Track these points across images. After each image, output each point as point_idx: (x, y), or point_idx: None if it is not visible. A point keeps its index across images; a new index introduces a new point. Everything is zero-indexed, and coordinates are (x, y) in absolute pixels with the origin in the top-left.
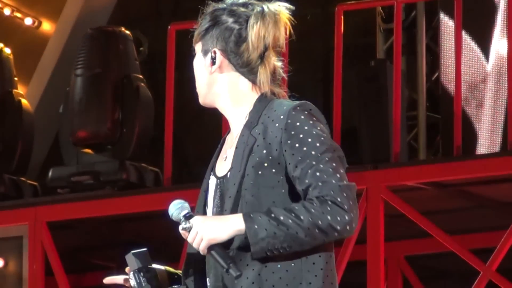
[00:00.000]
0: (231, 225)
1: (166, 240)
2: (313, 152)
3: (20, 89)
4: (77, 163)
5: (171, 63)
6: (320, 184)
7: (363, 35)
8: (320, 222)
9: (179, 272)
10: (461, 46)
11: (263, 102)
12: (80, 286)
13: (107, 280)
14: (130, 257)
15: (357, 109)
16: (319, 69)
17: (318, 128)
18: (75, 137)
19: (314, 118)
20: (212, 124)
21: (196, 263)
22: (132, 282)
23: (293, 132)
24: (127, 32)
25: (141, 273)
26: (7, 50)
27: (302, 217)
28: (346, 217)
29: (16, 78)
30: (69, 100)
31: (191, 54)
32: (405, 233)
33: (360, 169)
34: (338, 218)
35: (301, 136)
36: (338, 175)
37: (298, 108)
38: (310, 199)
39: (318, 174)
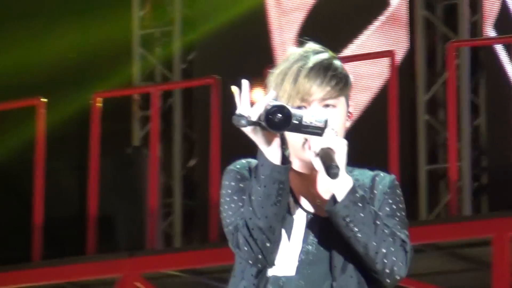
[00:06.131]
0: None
1: None
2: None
3: None
4: None
5: None
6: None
7: (119, 122)
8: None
9: None
10: (218, 132)
11: None
12: None
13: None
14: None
15: (113, 196)
16: (75, 156)
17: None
18: None
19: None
20: None
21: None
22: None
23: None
24: None
25: None
26: None
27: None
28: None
29: None
30: None
31: None
32: None
33: (115, 256)
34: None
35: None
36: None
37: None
38: None
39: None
